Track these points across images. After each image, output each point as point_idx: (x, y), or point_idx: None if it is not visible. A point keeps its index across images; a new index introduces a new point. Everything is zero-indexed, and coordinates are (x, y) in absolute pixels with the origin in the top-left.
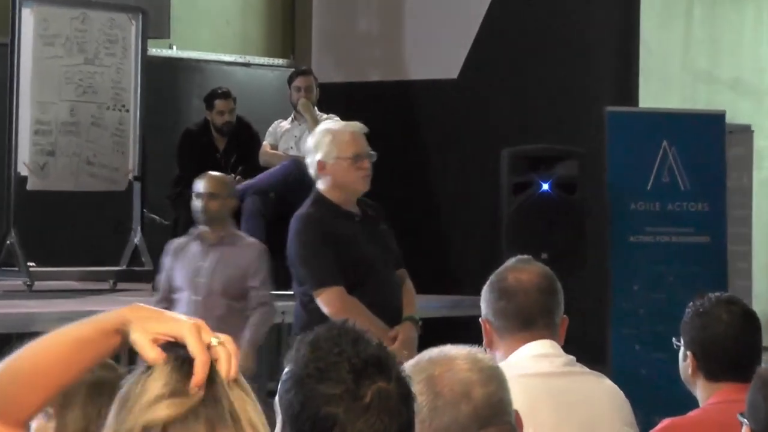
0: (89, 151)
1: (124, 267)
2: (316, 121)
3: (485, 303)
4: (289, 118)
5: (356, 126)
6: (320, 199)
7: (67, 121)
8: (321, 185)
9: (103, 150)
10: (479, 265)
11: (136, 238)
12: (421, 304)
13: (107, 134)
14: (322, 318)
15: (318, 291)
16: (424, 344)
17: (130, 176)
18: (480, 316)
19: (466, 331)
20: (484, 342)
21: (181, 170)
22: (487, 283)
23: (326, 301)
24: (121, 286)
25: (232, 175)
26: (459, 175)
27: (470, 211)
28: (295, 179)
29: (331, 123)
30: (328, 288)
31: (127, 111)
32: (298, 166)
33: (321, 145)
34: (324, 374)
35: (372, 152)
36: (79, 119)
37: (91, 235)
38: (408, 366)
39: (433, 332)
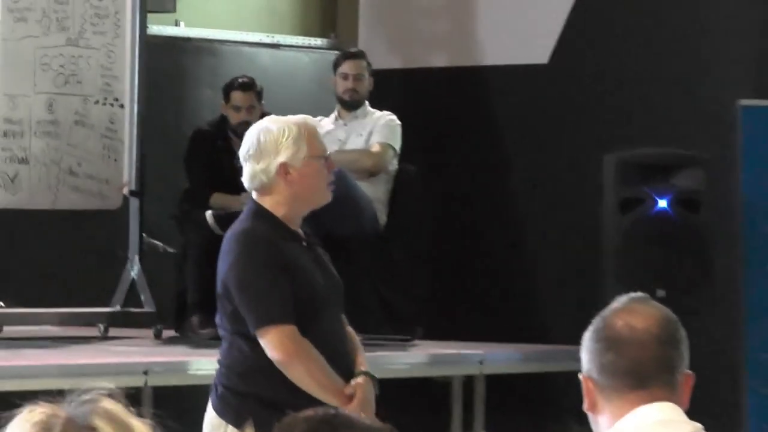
0: (72, 158)
1: (117, 308)
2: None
3: (587, 355)
4: (332, 116)
5: (315, 122)
6: (263, 213)
7: (43, 120)
8: (266, 197)
9: (90, 156)
10: (575, 305)
11: (134, 270)
12: (497, 356)
13: (95, 136)
14: (265, 367)
15: (264, 329)
16: (498, 405)
17: (125, 191)
18: (579, 371)
19: (557, 390)
20: (584, 404)
21: (190, 182)
22: (590, 329)
23: (275, 343)
24: (114, 332)
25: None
26: (548, 188)
27: (563, 235)
28: (340, 196)
29: (274, 118)
30: (279, 326)
31: (121, 106)
32: (341, 177)
33: (281, 144)
34: None
35: None
36: (60, 117)
37: (76, 267)
38: None
39: (513, 391)
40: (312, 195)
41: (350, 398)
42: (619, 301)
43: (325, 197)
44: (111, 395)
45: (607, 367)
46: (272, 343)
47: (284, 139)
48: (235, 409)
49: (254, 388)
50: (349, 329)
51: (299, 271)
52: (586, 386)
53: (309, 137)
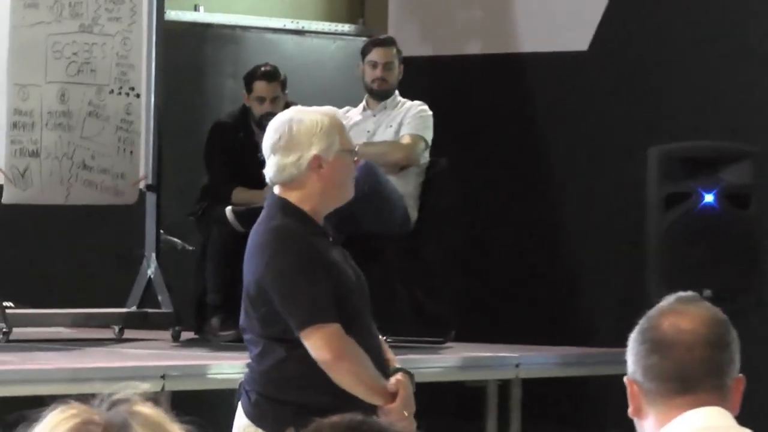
0: (86, 152)
1: (133, 309)
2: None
3: (632, 357)
4: (360, 106)
5: (339, 111)
6: (291, 208)
7: (55, 111)
8: (292, 191)
9: (104, 149)
10: (617, 305)
11: (150, 269)
12: (534, 359)
13: (110, 128)
14: (305, 374)
15: (310, 329)
16: (535, 411)
17: (142, 185)
18: (621, 375)
19: (598, 396)
20: (629, 409)
21: (210, 177)
22: (635, 330)
23: (323, 343)
24: (129, 334)
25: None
26: (588, 183)
27: (604, 232)
28: (369, 191)
29: (301, 109)
30: (326, 325)
31: (138, 96)
32: (371, 172)
33: (315, 135)
34: None
35: None
36: (72, 108)
37: (89, 266)
38: None
39: (551, 397)
40: (339, 191)
41: (393, 397)
42: (667, 301)
43: (349, 194)
44: (150, 398)
45: (652, 371)
46: (320, 344)
47: (318, 131)
48: (272, 417)
49: (293, 395)
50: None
51: (335, 267)
52: (631, 390)
53: (340, 130)
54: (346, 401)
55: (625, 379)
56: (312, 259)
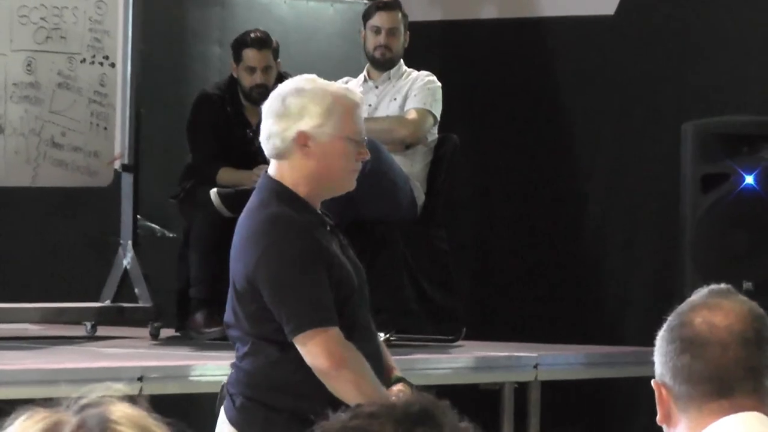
0: (55, 127)
1: (107, 303)
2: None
3: (660, 358)
4: (361, 77)
5: (360, 97)
6: (285, 193)
7: (21, 82)
8: (284, 172)
9: (75, 125)
10: (647, 300)
11: (126, 258)
12: (554, 359)
13: (82, 101)
14: (300, 380)
15: (307, 334)
16: (555, 416)
17: (117, 165)
18: (651, 376)
19: (625, 399)
20: (658, 415)
21: (194, 155)
22: (664, 328)
23: (321, 350)
24: (103, 331)
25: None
26: (615, 162)
27: (632, 218)
28: (370, 172)
29: (313, 78)
30: (325, 330)
31: (113, 65)
32: (372, 151)
33: (307, 110)
34: None
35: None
36: (40, 79)
37: (58, 255)
38: None
39: (574, 400)
40: (332, 177)
41: None
42: (698, 295)
43: (346, 185)
44: (127, 399)
45: (683, 372)
46: (317, 350)
47: (313, 106)
48: (262, 424)
49: (286, 401)
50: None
51: (335, 262)
52: (659, 394)
53: (344, 114)
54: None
55: (652, 382)
56: (314, 255)
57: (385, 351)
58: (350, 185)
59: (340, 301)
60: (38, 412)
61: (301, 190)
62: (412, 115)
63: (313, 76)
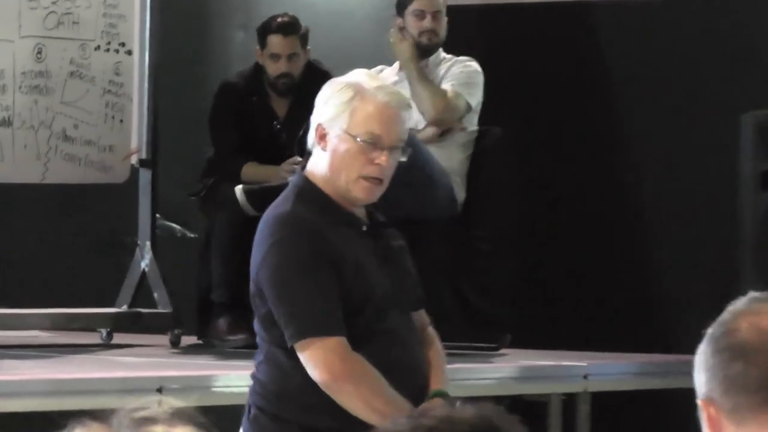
0: (67, 119)
1: (124, 308)
2: (422, 77)
3: (706, 374)
4: (396, 65)
5: (399, 98)
6: (310, 191)
7: (30, 71)
8: (311, 166)
9: (89, 117)
10: (706, 305)
11: (144, 260)
12: (605, 368)
13: (96, 91)
14: (312, 389)
15: (304, 342)
16: (606, 430)
17: (134, 160)
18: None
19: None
20: None
21: (216, 149)
22: (705, 341)
23: (318, 361)
24: (119, 339)
25: (297, 158)
26: (669, 157)
27: (688, 217)
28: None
29: (360, 72)
30: (323, 339)
31: (129, 53)
32: (409, 144)
33: (328, 102)
34: None
35: (401, 146)
36: (51, 67)
37: (71, 257)
38: None
39: (626, 413)
40: (338, 180)
41: None
42: (739, 303)
43: (353, 193)
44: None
45: (735, 382)
46: (314, 361)
47: (332, 98)
48: None
49: (296, 414)
50: (432, 336)
51: (352, 265)
52: (708, 414)
53: (360, 111)
54: (359, 427)
55: (699, 402)
56: (316, 257)
57: (434, 362)
58: (359, 194)
59: (353, 310)
60: (91, 428)
61: (328, 188)
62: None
63: (368, 72)
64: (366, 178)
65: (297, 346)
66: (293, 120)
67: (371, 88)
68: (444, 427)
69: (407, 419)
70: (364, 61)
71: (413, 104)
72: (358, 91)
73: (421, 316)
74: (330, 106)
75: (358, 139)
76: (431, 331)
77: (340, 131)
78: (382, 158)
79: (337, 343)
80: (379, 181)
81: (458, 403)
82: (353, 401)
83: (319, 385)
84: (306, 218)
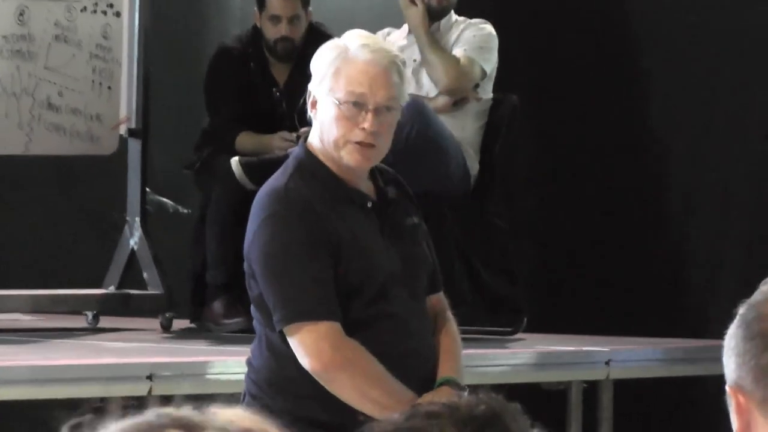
0: (51, 86)
1: (111, 290)
2: (433, 44)
3: (737, 359)
4: (405, 27)
5: (386, 54)
6: (311, 163)
7: (12, 34)
8: (311, 137)
9: (75, 84)
10: (736, 288)
11: (134, 238)
12: (629, 354)
13: (83, 56)
14: (306, 376)
15: (293, 327)
16: (630, 420)
17: (123, 130)
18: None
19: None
20: (735, 426)
21: (211, 118)
22: (736, 324)
23: (308, 347)
24: (106, 322)
25: (301, 129)
26: (702, 135)
27: (721, 196)
28: (416, 137)
29: (357, 34)
30: (314, 324)
31: (118, 15)
32: (418, 112)
33: (315, 67)
34: None
35: (394, 107)
36: (34, 31)
37: (56, 235)
38: None
39: (651, 402)
40: (328, 146)
41: None
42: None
43: (346, 158)
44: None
45: (765, 371)
46: (304, 347)
47: (317, 62)
48: None
49: (288, 403)
50: (449, 322)
51: (350, 244)
52: (737, 402)
53: (340, 71)
54: (355, 419)
55: (727, 388)
56: (311, 235)
57: (446, 347)
58: (350, 161)
59: (351, 291)
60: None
61: (327, 160)
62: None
63: (362, 32)
64: (354, 142)
65: (286, 330)
66: (294, 88)
67: (355, 47)
68: (444, 412)
69: (407, 410)
70: (370, 22)
71: (422, 69)
72: (342, 52)
73: (439, 301)
74: (316, 71)
75: (340, 102)
76: (448, 315)
77: (325, 95)
78: (366, 122)
79: (329, 328)
80: (369, 145)
81: (466, 392)
82: (348, 391)
83: (311, 373)
84: (301, 193)
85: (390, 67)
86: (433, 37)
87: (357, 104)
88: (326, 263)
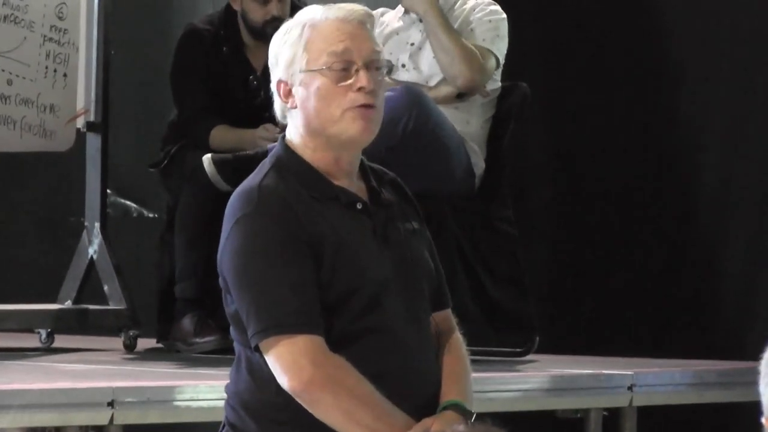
0: (0, 75)
1: (67, 305)
2: (448, 26)
3: None
4: (399, 7)
5: (356, 9)
6: (290, 161)
7: None
8: (289, 132)
9: (25, 71)
10: None
11: (93, 246)
12: (654, 378)
13: (35, 39)
14: (289, 400)
15: (269, 341)
16: None
17: (81, 123)
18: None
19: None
20: None
21: (180, 110)
22: None
23: (285, 364)
24: (61, 341)
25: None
26: (735, 130)
27: (758, 203)
28: (414, 130)
29: (315, 6)
30: (292, 338)
31: None
32: (416, 103)
33: (278, 52)
34: None
35: (382, 62)
36: None
37: (4, 243)
38: None
39: (682, 429)
40: (323, 129)
41: None
42: None
43: (349, 131)
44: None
45: None
46: (281, 364)
47: (282, 45)
48: None
49: (266, 429)
50: (455, 339)
51: (333, 248)
52: None
53: (316, 37)
54: None
55: (763, 420)
56: (289, 239)
57: (450, 368)
58: (354, 131)
59: (335, 301)
60: None
61: (310, 156)
62: None
63: (314, 5)
64: (352, 108)
65: (261, 346)
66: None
67: (320, 14)
68: None
69: None
70: (363, 4)
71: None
72: (306, 24)
73: (446, 319)
74: (282, 57)
75: (324, 68)
76: (457, 336)
77: (302, 74)
78: (360, 81)
79: (308, 342)
80: (370, 107)
81: (473, 419)
82: (332, 414)
83: (290, 393)
84: (277, 190)
85: (366, 20)
86: (449, 22)
87: (344, 65)
88: (307, 268)
